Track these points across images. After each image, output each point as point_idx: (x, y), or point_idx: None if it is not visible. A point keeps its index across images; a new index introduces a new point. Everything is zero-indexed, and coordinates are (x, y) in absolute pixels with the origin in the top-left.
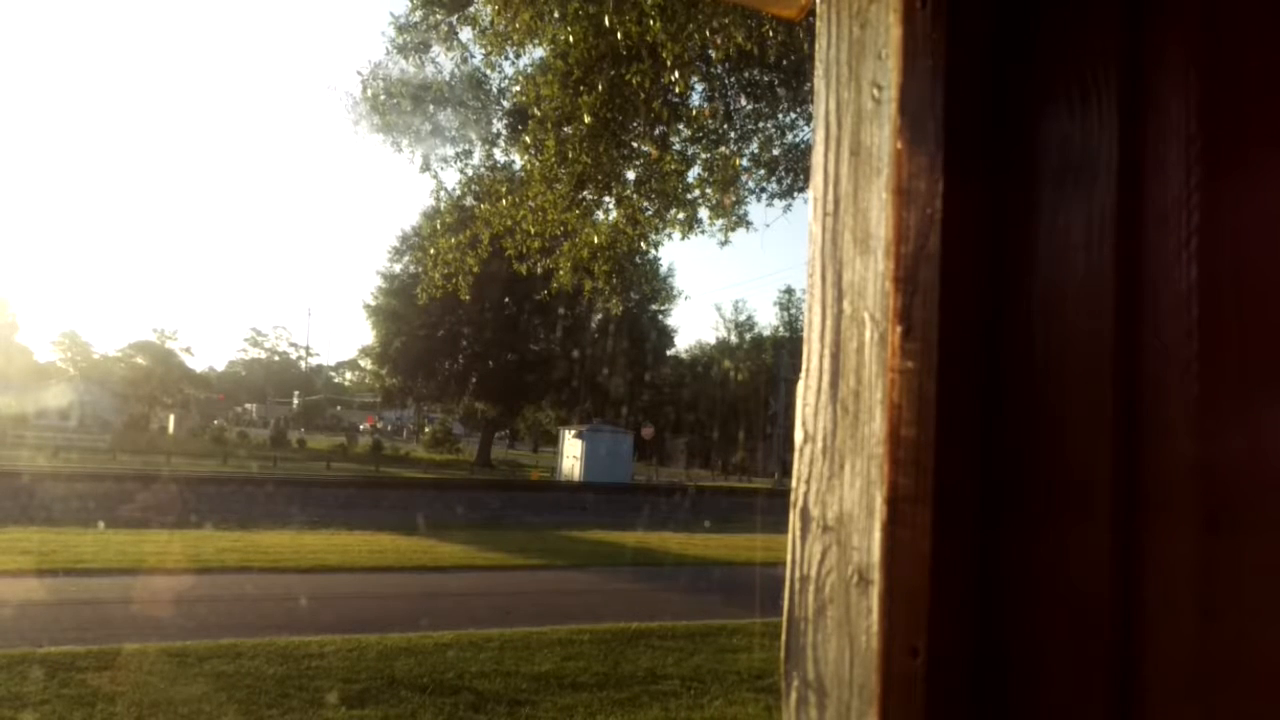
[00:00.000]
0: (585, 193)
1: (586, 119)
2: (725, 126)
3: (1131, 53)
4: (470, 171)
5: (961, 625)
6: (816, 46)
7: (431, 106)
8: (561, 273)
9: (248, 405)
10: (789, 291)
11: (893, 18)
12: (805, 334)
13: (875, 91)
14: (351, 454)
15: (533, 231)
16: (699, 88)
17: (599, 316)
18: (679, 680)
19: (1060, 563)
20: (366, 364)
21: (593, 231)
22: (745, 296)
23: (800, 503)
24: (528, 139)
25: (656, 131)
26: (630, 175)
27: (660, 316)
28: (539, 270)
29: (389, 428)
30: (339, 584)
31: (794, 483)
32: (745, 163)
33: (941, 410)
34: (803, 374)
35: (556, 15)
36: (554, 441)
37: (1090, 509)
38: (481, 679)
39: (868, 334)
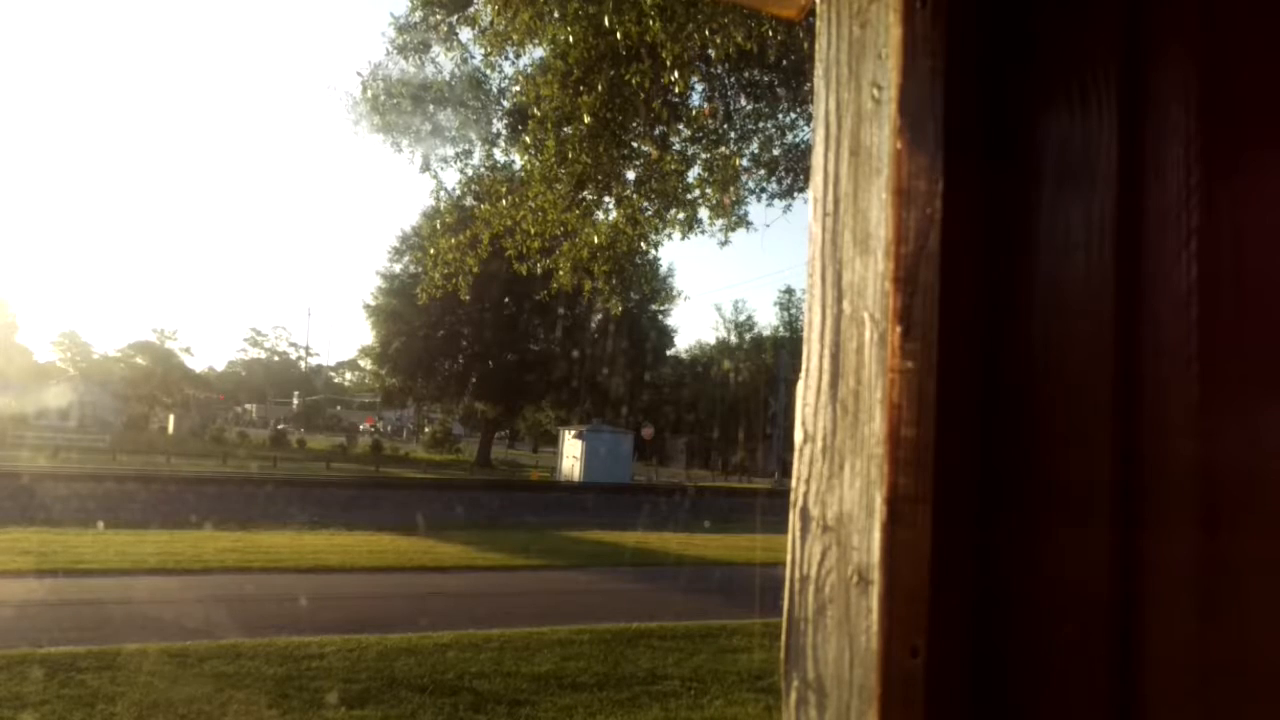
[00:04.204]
0: (585, 193)
1: (586, 119)
2: (725, 126)
3: (1131, 53)
4: (470, 171)
5: (961, 625)
6: (816, 46)
7: (431, 106)
8: (561, 273)
9: (248, 405)
10: (789, 291)
11: (893, 18)
12: (805, 334)
13: (875, 91)
14: (351, 454)
15: (533, 231)
16: (699, 88)
17: (599, 316)
18: (679, 680)
19: (1060, 562)
20: (366, 364)
21: (593, 231)
22: (745, 296)
23: (800, 503)
24: (528, 139)
25: (656, 131)
26: (630, 175)
27: (660, 316)
28: (539, 270)
29: (389, 428)
30: (339, 584)
31: (794, 483)
32: (745, 163)
33: (941, 410)
34: (803, 374)
35: (556, 15)
36: (554, 442)
37: (1090, 509)
38: (481, 679)
39: (868, 334)
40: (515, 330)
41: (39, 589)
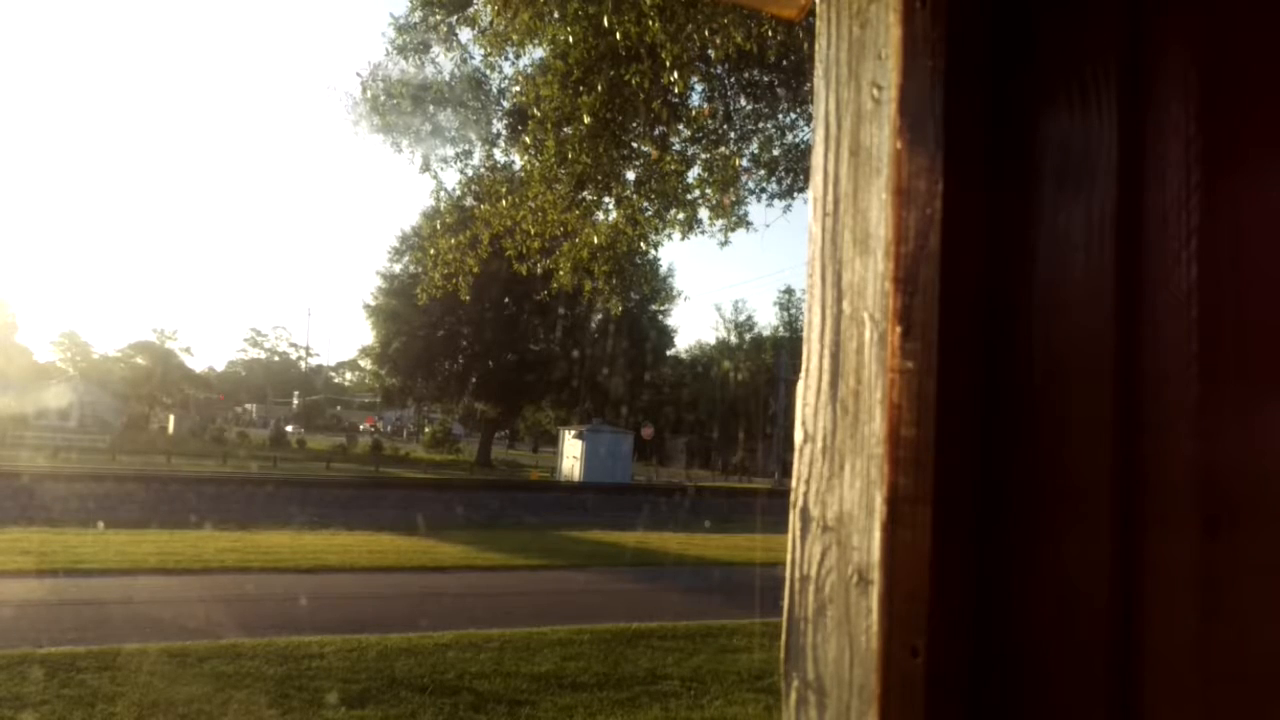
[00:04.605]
0: (585, 193)
1: (586, 119)
2: (725, 126)
3: (1131, 53)
4: (470, 172)
5: (961, 625)
6: (816, 46)
7: (431, 107)
8: (561, 273)
9: (248, 405)
10: (789, 291)
11: (893, 18)
12: (805, 334)
13: (875, 91)
14: (351, 454)
15: (533, 231)
16: (699, 88)
17: (599, 316)
18: (679, 680)
19: (1060, 562)
20: (366, 364)
21: (593, 232)
22: (745, 296)
23: (800, 503)
24: (528, 139)
25: (656, 131)
26: (630, 175)
27: (660, 316)
28: (539, 270)
29: (389, 428)
30: (339, 584)
31: (794, 483)
32: (745, 163)
33: (941, 410)
34: (803, 374)
35: (556, 15)
36: (554, 441)
37: (1090, 509)
38: (481, 679)
39: (868, 334)
40: (515, 330)
41: (39, 589)
